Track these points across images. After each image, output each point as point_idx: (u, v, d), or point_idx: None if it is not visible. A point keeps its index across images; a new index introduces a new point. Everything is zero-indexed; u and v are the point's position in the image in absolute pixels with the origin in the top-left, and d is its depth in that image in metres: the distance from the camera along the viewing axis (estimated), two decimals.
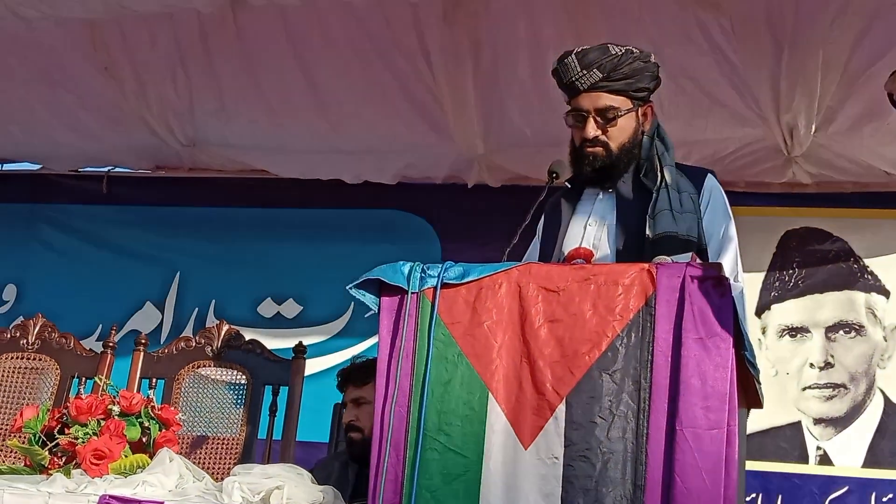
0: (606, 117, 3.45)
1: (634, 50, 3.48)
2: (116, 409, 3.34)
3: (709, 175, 3.56)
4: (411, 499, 2.78)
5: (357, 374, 4.48)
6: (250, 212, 6.70)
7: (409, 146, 6.09)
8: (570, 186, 3.56)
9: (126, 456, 3.21)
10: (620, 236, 3.41)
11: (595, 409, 2.76)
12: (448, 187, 6.34)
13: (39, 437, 3.34)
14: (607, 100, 3.45)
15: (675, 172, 3.47)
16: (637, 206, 3.42)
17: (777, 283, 5.95)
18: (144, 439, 3.34)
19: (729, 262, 3.24)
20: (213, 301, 6.56)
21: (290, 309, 6.49)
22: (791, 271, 5.95)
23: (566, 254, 3.24)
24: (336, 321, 6.37)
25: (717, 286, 2.78)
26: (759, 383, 3.12)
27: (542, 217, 3.65)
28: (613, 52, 3.44)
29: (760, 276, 5.97)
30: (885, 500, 5.55)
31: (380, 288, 2.98)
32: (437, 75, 5.59)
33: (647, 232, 3.32)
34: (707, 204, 3.48)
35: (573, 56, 3.44)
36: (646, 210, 3.36)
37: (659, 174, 3.43)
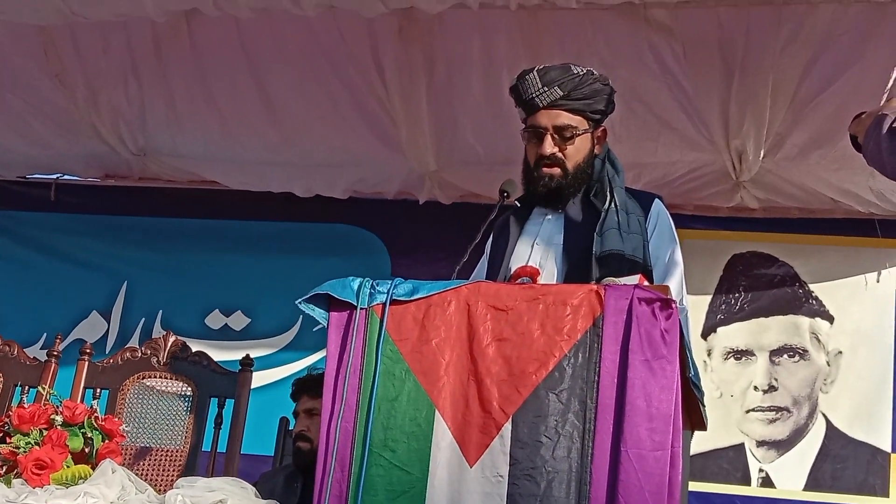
0: (564, 136, 3.48)
1: (595, 72, 3.53)
2: (59, 418, 3.30)
3: (656, 200, 3.61)
4: None
5: (313, 385, 4.48)
6: (200, 223, 6.66)
7: (360, 161, 6.08)
8: (518, 205, 3.57)
9: (68, 466, 3.18)
10: (567, 257, 3.44)
11: (541, 429, 2.77)
12: (399, 203, 6.36)
13: None
14: (566, 118, 3.48)
15: (625, 195, 3.50)
16: (585, 226, 3.45)
17: (723, 306, 6.01)
18: (87, 450, 3.31)
19: (675, 285, 3.27)
20: (160, 312, 6.52)
21: (238, 321, 6.46)
22: (737, 295, 6.02)
23: (512, 272, 3.25)
24: (284, 334, 6.34)
25: (664, 309, 2.80)
26: (704, 405, 3.16)
27: (491, 235, 3.67)
28: (575, 72, 3.48)
29: (707, 298, 6.02)
30: None
31: (329, 303, 2.98)
32: (390, 91, 5.59)
33: (594, 249, 3.35)
34: (654, 227, 3.52)
35: (535, 73, 3.47)
36: (593, 230, 3.39)
37: (609, 195, 3.47)
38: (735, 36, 5.05)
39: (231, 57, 5.63)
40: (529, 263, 3.38)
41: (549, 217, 3.56)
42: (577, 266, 3.38)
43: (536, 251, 3.48)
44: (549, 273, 3.39)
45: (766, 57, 5.05)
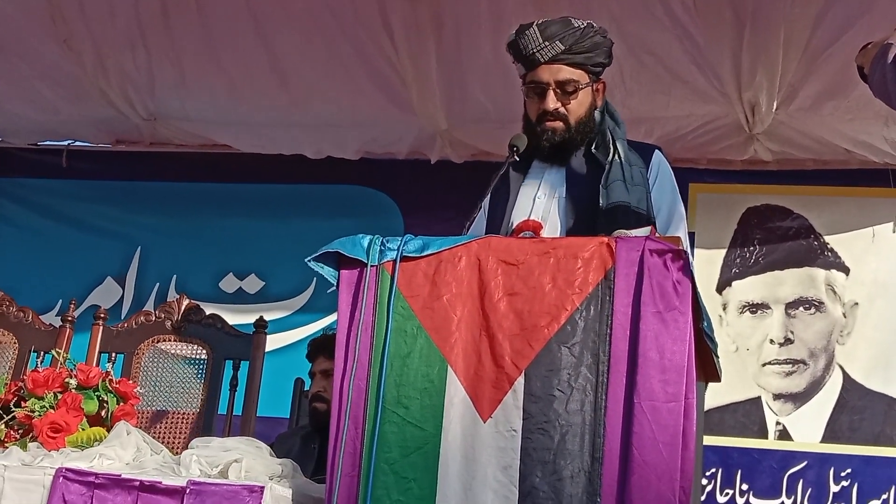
0: (566, 90, 3.47)
1: (595, 24, 3.51)
2: (74, 382, 3.32)
3: (656, 151, 3.62)
4: (370, 472, 2.78)
5: (329, 346, 4.47)
6: (212, 187, 6.66)
7: (371, 121, 6.06)
8: (518, 159, 3.55)
9: (83, 429, 3.20)
10: (570, 209, 3.43)
11: (553, 382, 2.76)
12: (411, 163, 6.34)
13: None
14: (568, 73, 3.46)
15: (627, 147, 3.50)
16: (588, 178, 3.45)
17: (738, 260, 5.99)
18: (102, 413, 3.32)
19: (681, 236, 3.26)
20: (175, 276, 6.53)
21: (252, 284, 6.47)
22: (752, 248, 5.99)
23: (514, 226, 3.23)
24: (298, 297, 6.35)
25: (675, 260, 2.79)
26: (717, 357, 3.14)
27: (490, 190, 3.67)
28: (576, 26, 3.46)
29: (722, 252, 6.00)
30: (842, 474, 5.61)
31: (339, 261, 2.97)
32: (399, 51, 5.56)
33: (601, 202, 3.34)
34: (655, 178, 3.52)
35: (535, 27, 3.44)
36: (597, 182, 3.39)
37: (611, 147, 3.47)
38: None
39: (238, 19, 5.60)
40: (532, 217, 3.36)
41: (550, 171, 3.55)
42: (581, 219, 3.38)
43: (538, 205, 3.48)
44: (553, 226, 3.39)
45: (777, 7, 5.00)
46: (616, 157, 3.44)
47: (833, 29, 5.04)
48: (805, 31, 5.08)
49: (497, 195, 3.53)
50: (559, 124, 3.48)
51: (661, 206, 3.47)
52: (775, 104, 5.45)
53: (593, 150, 3.50)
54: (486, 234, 3.39)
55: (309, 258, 2.95)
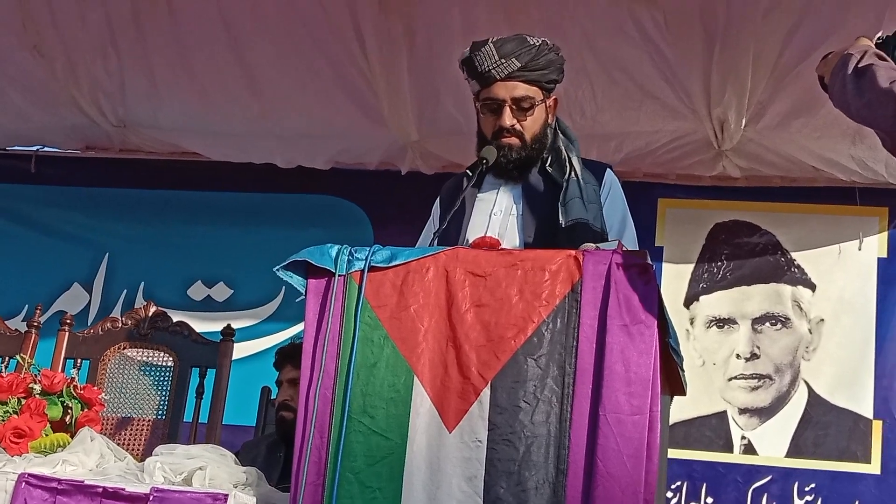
0: (522, 107, 3.50)
1: (549, 42, 3.55)
2: (38, 387, 3.31)
3: (608, 169, 3.66)
4: (334, 480, 2.78)
5: (296, 355, 4.44)
6: (181, 194, 6.64)
7: (342, 132, 6.06)
8: (470, 174, 3.57)
9: (46, 435, 3.18)
10: (529, 226, 3.46)
11: (519, 394, 2.77)
12: (381, 173, 6.34)
13: None
14: (524, 90, 3.50)
15: (581, 165, 3.54)
16: (545, 195, 3.49)
17: (706, 275, 6.02)
18: (66, 419, 3.31)
19: (630, 244, 3.32)
20: (143, 283, 6.50)
21: (221, 292, 6.45)
22: (720, 263, 6.02)
23: (471, 242, 3.23)
24: (266, 305, 6.34)
25: (642, 274, 2.81)
26: (683, 370, 3.16)
27: (437, 202, 3.69)
28: (531, 43, 3.50)
29: (689, 267, 6.03)
30: (807, 489, 5.64)
31: (307, 270, 2.98)
32: (371, 61, 5.56)
33: (560, 219, 3.37)
34: (607, 196, 3.56)
35: (490, 45, 3.47)
36: (554, 200, 3.42)
37: (567, 165, 3.50)
38: (716, 4, 5.03)
39: (211, 28, 5.59)
40: (489, 233, 3.38)
41: (505, 187, 3.58)
42: (540, 236, 3.41)
43: (495, 221, 3.51)
44: (510, 243, 3.41)
45: (747, 25, 5.04)
46: (573, 174, 3.48)
47: (802, 47, 5.07)
48: (774, 50, 5.12)
49: (448, 207, 3.52)
50: (515, 140, 3.51)
51: (614, 223, 3.51)
52: (744, 121, 5.49)
53: (548, 168, 3.53)
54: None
55: (277, 267, 2.95)
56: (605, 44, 5.18)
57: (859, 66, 2.95)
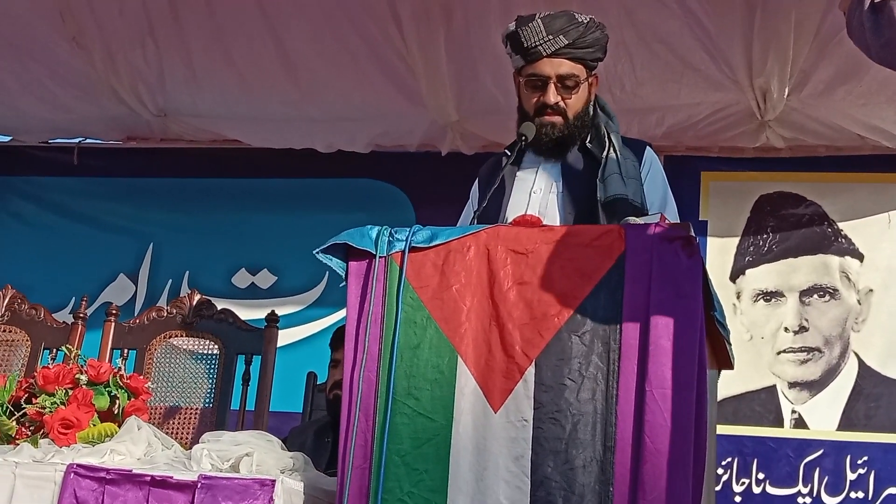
0: (567, 85, 3.48)
1: (596, 20, 3.52)
2: (84, 378, 3.32)
3: (647, 147, 3.64)
4: (381, 464, 2.78)
5: None
6: (223, 182, 6.66)
7: (381, 114, 6.05)
8: (509, 153, 3.54)
9: (94, 425, 3.19)
10: (569, 203, 3.44)
11: (564, 371, 2.75)
12: (422, 155, 6.32)
13: (7, 408, 3.32)
14: (569, 67, 3.47)
15: (620, 141, 3.51)
16: (584, 172, 3.46)
17: (752, 248, 5.95)
18: (113, 409, 3.32)
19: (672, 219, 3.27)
20: (187, 272, 6.52)
21: (265, 279, 6.46)
22: (765, 236, 5.95)
23: (511, 221, 3.20)
24: (310, 291, 6.34)
25: (686, 247, 2.77)
26: (730, 344, 3.13)
27: (476, 183, 3.66)
28: (580, 21, 3.47)
29: (735, 240, 5.97)
30: (859, 462, 5.58)
31: (347, 253, 2.96)
32: (408, 42, 5.54)
33: (599, 195, 3.35)
34: (648, 173, 3.53)
35: (539, 20, 3.44)
36: (593, 176, 3.40)
37: (606, 141, 3.47)
38: None
39: (247, 13, 5.58)
40: (529, 210, 3.36)
41: (545, 164, 3.55)
42: (580, 213, 3.39)
43: (535, 199, 3.49)
44: (550, 221, 3.36)
45: None
46: (612, 151, 3.45)
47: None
48: (816, 16, 5.04)
49: (486, 187, 3.51)
50: (558, 119, 3.49)
51: (655, 199, 3.48)
52: (787, 90, 5.42)
53: (588, 145, 3.51)
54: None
55: (317, 250, 2.94)
56: (645, 16, 5.12)
57: (876, 0, 2.71)
